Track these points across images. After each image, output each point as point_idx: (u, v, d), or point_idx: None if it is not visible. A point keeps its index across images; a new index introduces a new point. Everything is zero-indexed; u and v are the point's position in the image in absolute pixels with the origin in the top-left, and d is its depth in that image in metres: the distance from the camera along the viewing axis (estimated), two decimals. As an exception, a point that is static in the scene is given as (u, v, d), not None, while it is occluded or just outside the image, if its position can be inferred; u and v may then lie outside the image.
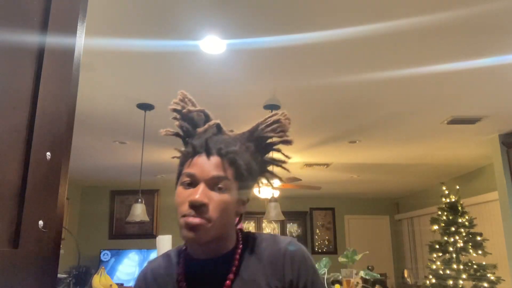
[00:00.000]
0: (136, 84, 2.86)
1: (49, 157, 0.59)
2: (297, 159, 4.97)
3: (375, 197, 8.05)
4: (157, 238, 2.90)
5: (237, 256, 0.88)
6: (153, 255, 5.99)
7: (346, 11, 2.00)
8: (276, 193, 4.37)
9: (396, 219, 8.14)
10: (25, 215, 0.54)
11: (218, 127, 0.92)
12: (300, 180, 4.52)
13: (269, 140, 0.94)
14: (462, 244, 4.73)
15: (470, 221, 4.82)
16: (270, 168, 0.97)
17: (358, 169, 5.62)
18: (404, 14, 2.02)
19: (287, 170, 0.97)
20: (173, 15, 2.03)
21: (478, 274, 4.48)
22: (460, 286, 4.53)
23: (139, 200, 3.63)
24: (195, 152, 0.85)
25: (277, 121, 0.93)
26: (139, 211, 3.59)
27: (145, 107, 3.20)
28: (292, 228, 7.80)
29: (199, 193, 0.80)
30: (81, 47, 0.70)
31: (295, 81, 2.78)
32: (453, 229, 4.84)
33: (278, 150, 0.96)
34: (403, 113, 3.40)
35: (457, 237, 4.79)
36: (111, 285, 3.11)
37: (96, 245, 6.30)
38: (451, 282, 4.59)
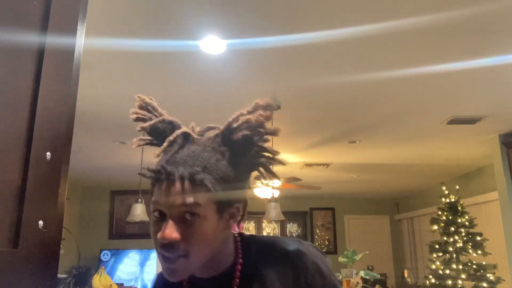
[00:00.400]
0: (136, 84, 2.86)
1: (49, 157, 0.59)
2: (297, 159, 4.97)
3: (375, 197, 8.05)
4: (157, 238, 2.90)
5: (238, 273, 0.81)
6: (153, 255, 5.99)
7: (346, 11, 2.00)
8: (276, 193, 4.37)
9: (396, 219, 8.14)
10: (25, 215, 0.54)
11: (185, 136, 0.80)
12: (300, 180, 4.51)
13: (246, 140, 0.80)
14: (462, 244, 4.73)
15: (470, 221, 4.82)
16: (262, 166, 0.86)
17: (358, 169, 5.62)
18: (404, 14, 2.02)
19: (282, 164, 0.83)
20: (173, 15, 2.03)
21: (478, 274, 4.48)
22: (460, 286, 4.53)
23: (139, 200, 3.63)
24: (157, 176, 0.73)
25: (246, 121, 0.78)
26: (139, 211, 3.59)
27: (145, 107, 3.20)
28: (292, 228, 7.80)
29: (166, 230, 0.70)
30: (81, 47, 0.70)
31: (295, 81, 2.78)
32: (452, 229, 4.84)
33: (263, 149, 0.81)
34: (403, 113, 3.40)
35: (456, 237, 4.78)
36: (111, 285, 3.11)
37: (96, 245, 6.30)
38: (450, 282, 4.59)
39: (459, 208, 4.90)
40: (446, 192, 5.08)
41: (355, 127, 3.83)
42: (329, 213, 8.03)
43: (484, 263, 4.55)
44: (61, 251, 0.64)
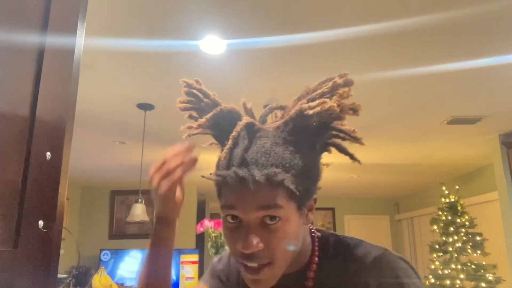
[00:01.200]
0: (136, 84, 2.86)
1: (49, 157, 0.59)
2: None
3: (375, 197, 8.05)
4: (157, 238, 2.90)
5: (312, 273, 0.73)
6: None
7: (346, 11, 2.00)
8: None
9: (396, 219, 8.14)
10: (25, 215, 0.54)
11: (250, 127, 0.69)
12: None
13: (320, 124, 0.69)
14: (461, 244, 4.72)
15: (471, 221, 4.82)
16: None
17: (358, 169, 5.61)
18: (404, 14, 2.02)
19: (359, 142, 0.72)
20: (173, 15, 2.03)
21: (478, 274, 4.48)
22: (458, 286, 4.53)
23: (139, 200, 3.63)
24: (226, 178, 0.64)
25: (326, 109, 0.65)
26: (139, 211, 3.59)
27: (145, 107, 3.20)
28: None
29: (248, 240, 0.63)
30: (81, 47, 0.70)
31: (295, 81, 2.78)
32: (451, 229, 4.84)
33: (341, 131, 0.72)
34: (403, 113, 3.40)
35: (455, 237, 4.78)
36: (111, 285, 3.11)
37: (96, 245, 6.30)
38: (448, 282, 4.59)
39: (459, 208, 4.90)
40: (446, 192, 5.08)
41: (355, 127, 3.82)
42: (329, 213, 8.03)
43: (484, 263, 4.55)
44: (61, 251, 0.64)
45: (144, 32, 2.18)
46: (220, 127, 0.73)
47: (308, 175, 0.68)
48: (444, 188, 5.12)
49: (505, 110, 3.36)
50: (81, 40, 0.70)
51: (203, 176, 0.72)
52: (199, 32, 2.17)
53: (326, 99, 0.66)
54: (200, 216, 6.36)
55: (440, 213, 5.05)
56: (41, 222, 0.57)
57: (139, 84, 2.87)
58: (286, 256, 0.67)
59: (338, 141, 0.74)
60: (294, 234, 0.66)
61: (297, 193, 0.64)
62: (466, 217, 4.83)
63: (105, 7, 1.95)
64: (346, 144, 0.75)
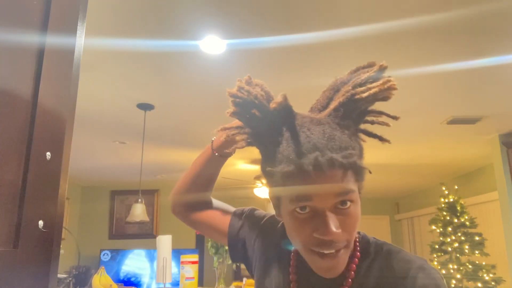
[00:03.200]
0: (136, 84, 2.86)
1: (49, 157, 0.59)
2: (297, 159, 4.97)
3: (375, 197, 8.05)
4: (157, 238, 2.90)
5: (354, 266, 0.73)
6: (155, 254, 5.99)
7: (346, 11, 2.00)
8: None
9: (396, 219, 8.14)
10: (25, 215, 0.54)
11: (304, 118, 0.70)
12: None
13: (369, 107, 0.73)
14: (458, 244, 4.72)
15: (471, 221, 4.81)
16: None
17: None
18: (404, 14, 2.02)
19: (387, 125, 0.76)
20: (173, 15, 2.03)
21: (479, 274, 4.47)
22: (453, 286, 4.53)
23: (139, 200, 3.63)
24: (300, 171, 0.63)
25: (373, 93, 0.69)
26: (139, 211, 3.60)
27: (145, 107, 3.20)
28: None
29: (330, 226, 0.62)
30: (81, 47, 0.70)
31: (295, 81, 2.78)
32: (450, 229, 4.84)
33: (380, 113, 0.75)
34: (403, 113, 3.40)
35: (453, 237, 4.78)
36: (111, 285, 3.11)
37: (96, 245, 6.30)
38: (444, 282, 4.58)
39: (458, 208, 4.90)
40: (446, 192, 5.08)
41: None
42: (329, 213, 8.03)
43: (484, 263, 4.55)
44: (61, 251, 0.64)
45: (144, 32, 2.18)
46: (264, 122, 0.71)
47: (362, 155, 0.70)
48: (444, 188, 5.12)
49: (505, 110, 3.36)
50: (81, 40, 0.70)
51: (268, 169, 0.69)
52: (199, 32, 2.17)
53: (390, 78, 0.71)
54: (200, 216, 6.35)
55: (440, 213, 5.04)
56: (41, 222, 0.57)
57: (139, 84, 2.87)
58: (354, 238, 0.69)
59: (367, 125, 0.76)
60: (360, 215, 0.68)
61: (364, 173, 0.67)
62: (466, 217, 4.82)
63: (105, 7, 1.95)
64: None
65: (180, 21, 2.08)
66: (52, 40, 0.62)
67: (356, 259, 0.74)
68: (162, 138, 4.09)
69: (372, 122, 0.75)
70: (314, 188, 0.63)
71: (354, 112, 0.70)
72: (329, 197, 0.64)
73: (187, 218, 0.99)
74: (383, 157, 4.83)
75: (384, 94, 0.70)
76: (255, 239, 0.89)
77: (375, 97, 0.69)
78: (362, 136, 0.74)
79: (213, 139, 0.92)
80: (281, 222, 0.86)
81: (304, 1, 1.92)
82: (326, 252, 0.65)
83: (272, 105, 0.69)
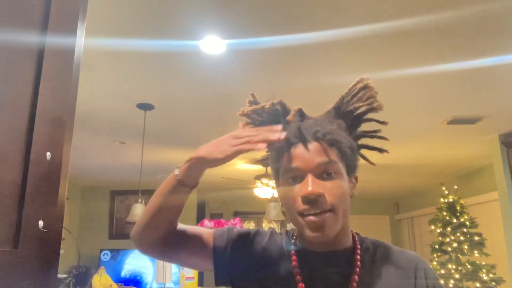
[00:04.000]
0: (136, 84, 2.86)
1: (49, 157, 0.59)
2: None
3: (375, 197, 8.05)
4: (157, 238, 2.90)
5: (358, 257, 0.80)
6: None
7: (346, 11, 2.00)
8: (276, 193, 4.36)
9: (396, 219, 8.14)
10: (25, 215, 0.54)
11: (301, 113, 0.84)
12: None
13: (357, 112, 0.86)
14: (457, 245, 4.72)
15: (472, 221, 4.81)
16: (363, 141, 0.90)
17: (358, 169, 5.60)
18: (404, 14, 2.02)
19: (385, 139, 0.88)
20: (173, 15, 2.03)
21: (479, 274, 4.47)
22: (453, 285, 4.53)
23: (139, 200, 3.63)
24: (289, 144, 0.77)
25: (364, 87, 0.85)
26: (139, 211, 3.59)
27: (145, 107, 3.20)
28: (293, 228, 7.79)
29: (310, 184, 0.73)
30: (81, 47, 0.70)
31: (295, 81, 2.78)
32: (449, 229, 4.84)
33: (370, 120, 0.87)
34: (403, 113, 3.40)
35: (452, 237, 4.78)
36: (111, 285, 3.11)
37: (96, 245, 6.30)
38: (442, 281, 4.58)
39: (458, 208, 4.90)
40: (446, 192, 5.08)
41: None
42: (329, 213, 8.02)
43: (483, 263, 4.55)
44: (61, 251, 0.64)
45: (144, 32, 2.18)
46: (273, 118, 0.85)
47: (351, 150, 0.80)
48: (444, 188, 5.12)
49: (505, 110, 3.36)
50: (81, 40, 0.70)
51: (259, 161, 0.91)
52: (199, 32, 2.17)
53: (375, 100, 0.86)
54: (200, 216, 6.37)
55: (439, 213, 5.04)
56: (41, 222, 0.57)
57: (139, 84, 2.87)
58: (344, 210, 0.76)
59: (365, 140, 0.89)
60: (347, 194, 0.78)
61: (347, 153, 0.78)
62: (466, 217, 4.82)
63: (105, 7, 1.95)
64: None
65: (180, 21, 2.08)
66: (52, 40, 0.62)
67: (358, 251, 0.81)
68: (162, 138, 4.09)
69: (371, 137, 0.87)
70: (300, 159, 0.76)
71: (346, 117, 0.85)
72: (312, 164, 0.75)
73: (161, 253, 0.88)
74: (383, 157, 4.80)
75: (369, 93, 0.85)
76: (245, 255, 0.86)
77: (358, 97, 0.85)
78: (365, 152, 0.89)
79: (176, 170, 0.81)
80: (269, 233, 0.90)
81: (304, 1, 1.92)
82: (312, 212, 0.73)
83: (267, 105, 0.85)
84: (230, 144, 0.78)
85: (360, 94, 0.84)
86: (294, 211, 0.76)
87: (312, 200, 0.73)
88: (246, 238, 0.89)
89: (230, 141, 0.78)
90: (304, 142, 0.76)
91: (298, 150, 0.76)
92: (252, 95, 0.91)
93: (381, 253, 0.83)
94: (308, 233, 0.74)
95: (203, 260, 0.87)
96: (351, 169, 0.81)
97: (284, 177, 0.78)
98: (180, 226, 0.88)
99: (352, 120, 0.85)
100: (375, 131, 0.87)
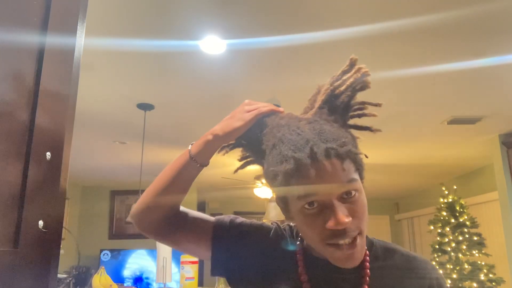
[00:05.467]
0: (136, 84, 2.86)
1: (49, 157, 0.59)
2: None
3: (375, 197, 8.05)
4: (157, 238, 2.89)
5: (367, 264, 0.76)
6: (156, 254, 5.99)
7: (346, 11, 2.00)
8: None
9: (396, 219, 8.14)
10: (25, 215, 0.54)
11: (291, 117, 0.74)
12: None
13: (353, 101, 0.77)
14: (458, 245, 4.72)
15: (472, 221, 4.81)
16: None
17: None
18: (404, 14, 2.02)
19: (374, 115, 0.79)
20: (173, 15, 2.03)
21: (478, 274, 4.47)
22: (453, 285, 4.53)
23: (139, 200, 3.62)
24: (299, 163, 0.64)
25: (350, 83, 0.74)
26: (139, 211, 3.59)
27: (145, 107, 3.20)
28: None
29: (338, 216, 0.63)
30: (81, 47, 0.70)
31: (295, 81, 2.78)
32: (448, 229, 4.83)
33: (363, 103, 0.78)
34: (403, 113, 3.40)
35: (450, 237, 4.78)
36: (111, 285, 3.11)
37: (96, 245, 6.30)
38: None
39: (457, 208, 4.90)
40: (446, 192, 5.08)
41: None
42: (329, 213, 8.02)
43: (483, 263, 4.55)
44: (61, 251, 0.64)
45: (144, 32, 2.18)
46: (248, 133, 0.77)
47: (356, 146, 0.72)
48: (444, 188, 5.12)
49: (505, 110, 3.36)
50: (81, 40, 0.70)
51: (272, 171, 0.71)
52: (199, 32, 2.17)
53: (362, 66, 0.75)
54: (200, 216, 6.35)
55: (438, 213, 5.04)
56: (41, 222, 0.57)
57: (139, 84, 2.87)
58: (366, 225, 0.70)
59: (355, 120, 0.78)
60: (366, 207, 0.70)
61: (362, 160, 0.70)
62: (465, 217, 4.82)
63: (105, 7, 1.95)
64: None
65: (180, 21, 2.08)
66: (52, 40, 0.62)
67: (367, 257, 0.77)
68: (162, 138, 4.09)
69: (360, 116, 0.77)
70: (317, 181, 0.64)
71: (338, 107, 0.73)
72: (333, 188, 0.65)
73: (159, 234, 0.86)
74: (383, 157, 4.83)
75: (362, 84, 0.74)
76: (246, 248, 0.82)
77: (353, 88, 0.74)
78: (355, 132, 0.77)
79: (190, 146, 0.81)
80: (273, 228, 0.85)
81: (304, 1, 1.92)
82: (341, 242, 0.66)
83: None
84: (246, 110, 0.76)
85: (351, 82, 0.74)
86: (316, 239, 0.68)
87: (339, 232, 0.65)
88: (247, 233, 0.84)
89: (245, 108, 0.77)
90: (320, 162, 0.64)
91: (313, 173, 0.64)
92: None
93: (391, 259, 0.79)
94: (337, 261, 0.68)
95: (200, 247, 0.84)
96: (362, 170, 0.71)
97: (298, 202, 0.67)
98: (183, 208, 0.86)
99: (345, 108, 0.75)
100: (360, 108, 0.77)
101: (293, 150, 0.66)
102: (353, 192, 0.66)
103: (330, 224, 0.64)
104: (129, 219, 0.85)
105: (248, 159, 0.83)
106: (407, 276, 0.77)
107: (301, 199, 0.66)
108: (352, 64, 0.77)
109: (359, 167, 0.69)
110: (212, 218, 0.87)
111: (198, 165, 0.79)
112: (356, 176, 0.67)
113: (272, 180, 0.71)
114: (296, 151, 0.65)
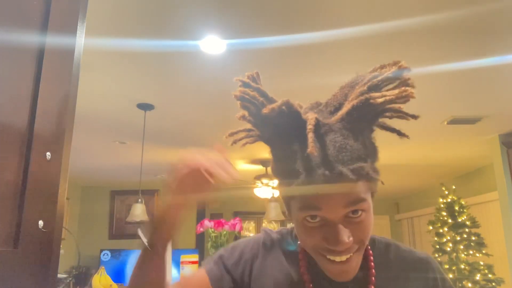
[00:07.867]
0: (136, 84, 2.86)
1: (49, 157, 0.59)
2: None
3: (375, 197, 8.06)
4: (157, 238, 2.90)
5: (372, 264, 0.74)
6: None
7: (346, 11, 2.00)
8: (276, 193, 4.37)
9: (396, 219, 8.14)
10: (25, 215, 0.54)
11: (317, 125, 0.64)
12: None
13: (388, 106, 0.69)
14: (456, 245, 4.72)
15: (473, 221, 4.81)
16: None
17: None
18: (404, 14, 2.02)
19: (406, 118, 0.72)
20: (173, 15, 2.03)
21: (478, 274, 4.47)
22: (448, 285, 4.53)
23: (139, 200, 3.63)
24: (310, 172, 0.61)
25: (389, 100, 0.65)
26: (139, 211, 3.60)
27: (145, 107, 3.20)
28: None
29: (340, 236, 0.61)
30: (81, 47, 0.70)
31: (295, 81, 2.77)
32: (446, 229, 4.83)
33: (399, 111, 0.70)
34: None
35: (448, 237, 4.78)
36: (111, 285, 3.11)
37: (96, 245, 6.30)
38: None
39: (456, 208, 4.90)
40: (446, 192, 5.08)
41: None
42: (329, 213, 8.02)
43: (482, 263, 4.55)
44: (61, 251, 0.64)
45: (144, 32, 2.18)
46: (270, 127, 0.69)
47: (376, 158, 0.68)
48: (443, 188, 5.12)
49: (505, 110, 3.35)
50: (81, 40, 0.70)
51: (278, 172, 0.68)
52: (199, 32, 2.17)
53: (408, 85, 0.68)
54: (200, 216, 6.36)
55: (438, 214, 5.04)
56: (41, 222, 0.57)
57: (139, 84, 2.86)
58: (368, 239, 0.67)
59: (384, 120, 0.73)
60: (372, 222, 0.67)
61: (377, 181, 0.66)
62: (465, 217, 4.82)
63: (105, 7, 1.95)
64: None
65: (180, 21, 2.08)
66: (52, 40, 0.62)
67: (371, 257, 0.75)
68: (162, 138, 4.09)
69: (391, 117, 0.72)
70: (321, 198, 0.61)
71: (368, 115, 0.67)
72: (339, 207, 0.62)
73: None
74: (383, 157, 4.79)
75: (400, 102, 0.67)
76: (246, 275, 0.78)
77: (390, 104, 0.67)
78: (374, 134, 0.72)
79: (139, 232, 0.72)
80: (261, 243, 0.81)
81: (304, 1, 1.92)
82: (337, 260, 0.64)
83: (265, 110, 0.67)
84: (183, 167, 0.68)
85: (393, 96, 0.65)
86: (311, 248, 0.67)
87: (339, 251, 0.63)
88: (240, 268, 0.79)
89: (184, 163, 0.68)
90: (331, 179, 0.60)
91: (322, 189, 0.60)
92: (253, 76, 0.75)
93: (393, 256, 0.78)
94: (329, 274, 0.66)
95: None
96: (375, 186, 0.67)
97: (299, 213, 0.65)
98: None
99: (376, 115, 0.69)
100: (395, 112, 0.70)
101: (305, 167, 0.62)
102: (360, 212, 0.63)
103: (330, 243, 0.62)
104: None
105: (254, 136, 0.75)
106: (408, 269, 0.76)
107: (303, 210, 0.64)
108: (401, 71, 0.71)
109: (371, 186, 0.66)
110: (202, 276, 0.78)
111: (157, 251, 0.71)
112: (366, 195, 0.64)
113: (277, 177, 0.69)
114: (309, 169, 0.61)
